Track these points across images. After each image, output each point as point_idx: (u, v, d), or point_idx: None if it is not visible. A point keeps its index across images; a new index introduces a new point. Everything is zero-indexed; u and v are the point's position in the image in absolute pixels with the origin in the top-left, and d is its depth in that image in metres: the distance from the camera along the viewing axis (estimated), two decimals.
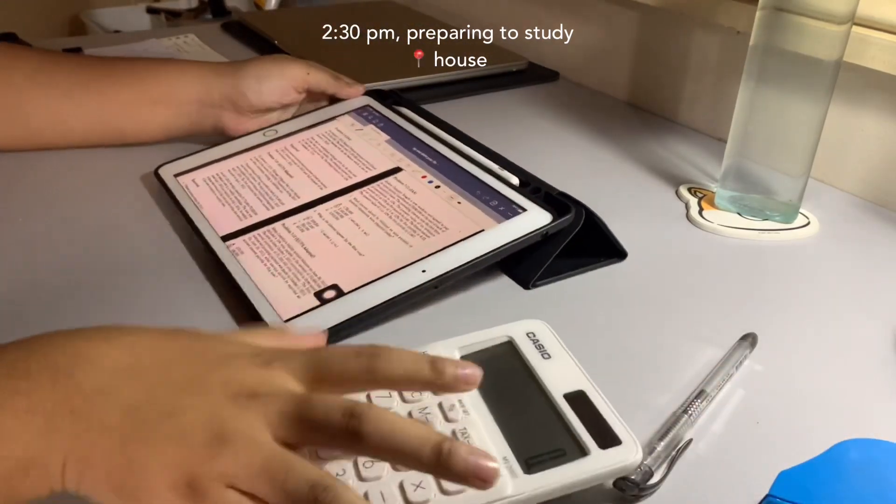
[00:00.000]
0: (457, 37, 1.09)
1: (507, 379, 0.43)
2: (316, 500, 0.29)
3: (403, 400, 0.41)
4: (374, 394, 0.41)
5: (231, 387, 0.32)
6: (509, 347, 0.45)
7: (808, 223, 0.65)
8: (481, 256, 0.52)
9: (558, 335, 0.45)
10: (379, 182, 0.63)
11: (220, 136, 0.71)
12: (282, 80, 0.71)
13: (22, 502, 0.30)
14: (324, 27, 1.02)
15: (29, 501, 0.30)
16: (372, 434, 0.31)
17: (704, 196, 0.69)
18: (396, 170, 0.64)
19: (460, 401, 0.41)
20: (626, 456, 0.37)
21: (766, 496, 0.39)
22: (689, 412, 0.43)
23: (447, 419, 0.40)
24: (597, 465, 0.37)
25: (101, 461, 0.30)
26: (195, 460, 0.30)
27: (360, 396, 0.41)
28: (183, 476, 0.30)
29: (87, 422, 0.30)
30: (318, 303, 0.50)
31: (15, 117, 0.69)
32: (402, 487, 0.36)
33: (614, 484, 0.38)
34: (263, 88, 0.70)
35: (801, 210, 0.66)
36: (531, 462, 0.37)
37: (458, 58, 0.99)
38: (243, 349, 0.34)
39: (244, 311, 0.51)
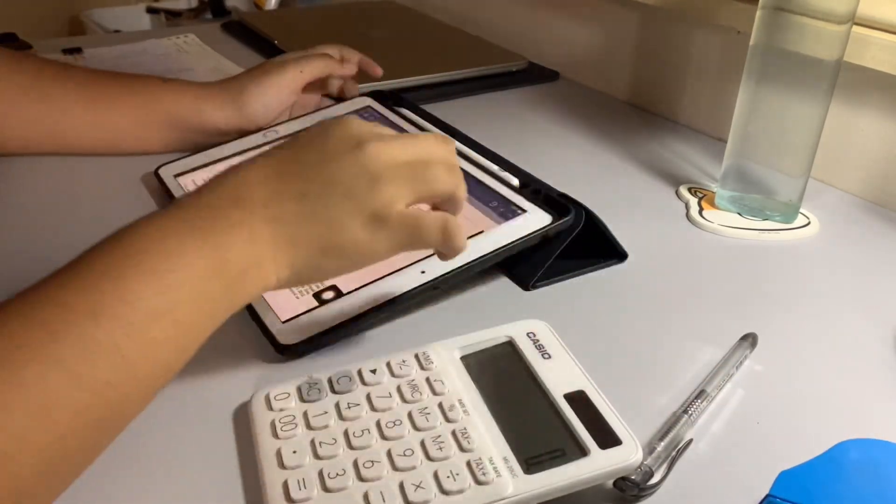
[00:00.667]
0: (457, 37, 1.09)
1: (508, 379, 0.43)
2: (454, 193, 0.43)
3: (404, 400, 0.41)
4: (374, 394, 0.41)
5: (352, 142, 0.41)
6: (509, 348, 0.45)
7: (808, 223, 0.65)
8: (481, 257, 0.52)
9: (558, 335, 0.45)
10: None
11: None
12: (280, 91, 0.71)
13: (246, 300, 0.39)
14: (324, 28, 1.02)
15: (252, 298, 0.39)
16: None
17: (704, 196, 0.69)
18: None
19: (460, 401, 0.41)
20: (626, 456, 0.37)
21: (766, 496, 0.39)
22: (689, 412, 0.43)
23: (447, 419, 0.40)
24: (597, 465, 0.37)
25: (304, 238, 0.39)
26: (367, 201, 0.40)
27: (362, 399, 0.41)
28: (366, 215, 0.40)
29: (278, 220, 0.39)
30: (317, 303, 0.51)
31: (5, 127, 0.68)
32: (402, 487, 0.36)
33: (614, 484, 0.38)
34: (270, 110, 0.71)
35: (802, 210, 0.66)
36: (531, 462, 0.37)
37: (458, 58, 0.99)
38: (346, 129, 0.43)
39: (244, 311, 0.51)
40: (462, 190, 0.44)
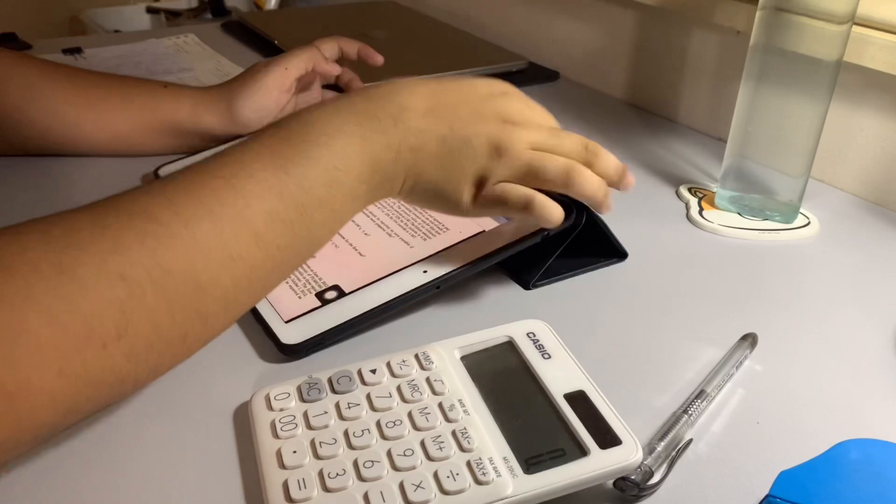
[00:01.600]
0: (457, 37, 1.09)
1: (508, 379, 0.43)
2: (569, 175, 0.48)
3: (404, 400, 0.41)
4: (374, 394, 0.41)
5: (501, 115, 0.48)
6: (509, 347, 0.45)
7: (808, 223, 0.65)
8: (482, 257, 0.52)
9: (558, 335, 0.45)
10: None
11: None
12: (269, 93, 0.70)
13: (376, 200, 0.46)
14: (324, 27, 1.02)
15: (380, 199, 0.46)
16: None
17: (704, 196, 0.69)
18: None
19: (460, 401, 0.41)
20: (626, 456, 0.37)
21: (766, 496, 0.39)
22: (689, 412, 0.43)
23: (447, 419, 0.40)
24: (597, 465, 0.37)
25: (429, 175, 0.46)
26: (486, 167, 0.47)
27: (362, 399, 0.41)
28: (478, 179, 0.47)
29: (419, 152, 0.45)
30: (319, 303, 0.51)
31: (3, 128, 0.68)
32: (402, 487, 0.36)
33: (614, 484, 0.38)
34: (262, 113, 0.71)
35: (802, 210, 0.66)
36: (531, 462, 0.37)
37: (458, 58, 0.99)
38: (497, 90, 0.49)
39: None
40: (578, 190, 0.49)
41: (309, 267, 0.54)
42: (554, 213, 0.49)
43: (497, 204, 0.48)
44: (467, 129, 0.46)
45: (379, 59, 0.79)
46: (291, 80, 0.72)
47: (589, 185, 0.48)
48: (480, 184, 0.47)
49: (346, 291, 0.51)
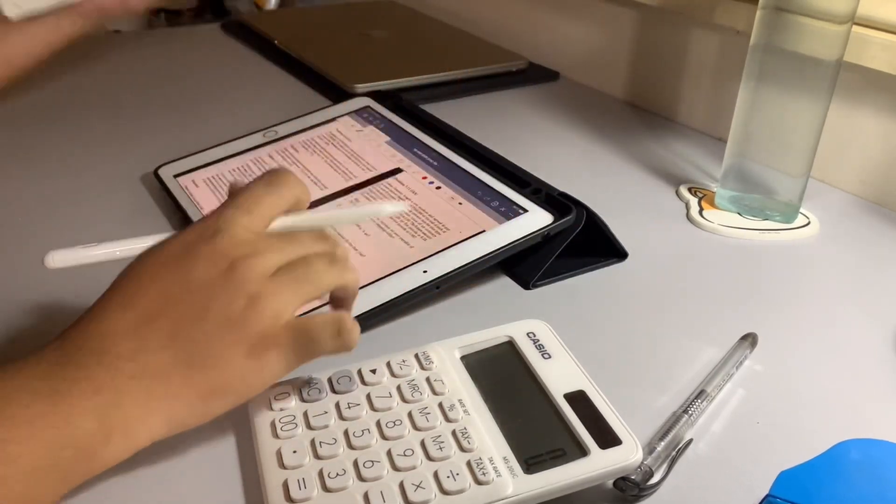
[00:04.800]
0: (457, 37, 1.09)
1: (508, 379, 0.43)
2: (342, 283, 0.39)
3: (404, 400, 0.41)
4: (374, 394, 0.41)
5: (221, 264, 0.36)
6: (509, 347, 0.45)
7: (808, 223, 0.65)
8: (482, 257, 0.52)
9: (558, 335, 0.45)
10: (380, 183, 0.63)
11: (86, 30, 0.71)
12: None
13: (110, 464, 0.35)
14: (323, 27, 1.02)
15: (118, 461, 0.35)
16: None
17: (704, 196, 0.69)
18: (397, 171, 0.64)
19: (460, 400, 0.41)
20: (626, 456, 0.37)
21: (766, 496, 0.39)
22: (689, 412, 0.43)
23: (447, 419, 0.40)
24: (597, 465, 0.37)
25: (180, 388, 0.35)
26: (250, 325, 0.36)
27: (362, 399, 0.41)
28: (251, 342, 0.36)
29: (148, 375, 0.35)
30: (319, 303, 0.50)
31: None
32: (402, 487, 0.36)
33: (614, 484, 0.38)
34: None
35: (802, 210, 0.66)
36: (531, 462, 0.37)
37: (458, 58, 0.99)
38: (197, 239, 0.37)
39: None
40: (350, 277, 0.40)
41: None
42: (356, 336, 0.39)
43: (303, 339, 0.38)
44: (194, 303, 0.36)
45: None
46: None
47: (353, 275, 0.40)
48: (263, 342, 0.36)
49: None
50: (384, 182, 0.63)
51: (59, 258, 0.43)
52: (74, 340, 0.35)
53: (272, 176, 0.39)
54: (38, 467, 0.32)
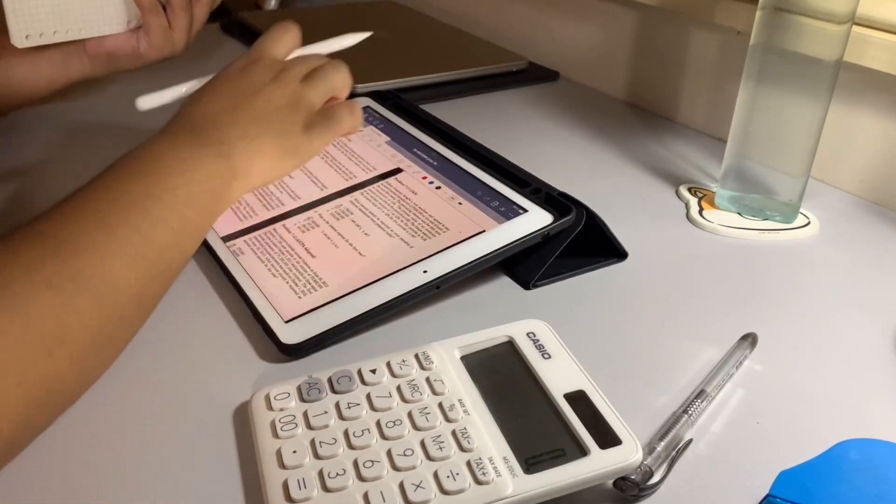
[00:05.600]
0: (457, 37, 1.09)
1: (508, 379, 0.43)
2: (345, 83, 0.56)
3: (404, 400, 0.41)
4: (374, 394, 0.41)
5: (269, 74, 0.52)
6: (509, 347, 0.45)
7: (808, 223, 0.65)
8: (482, 257, 0.52)
9: (558, 335, 0.45)
10: (379, 183, 0.63)
11: (92, 73, 0.71)
12: None
13: (234, 201, 0.49)
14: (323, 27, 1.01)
15: (237, 200, 0.50)
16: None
17: (704, 196, 0.69)
18: (397, 171, 0.64)
19: (460, 400, 0.41)
20: (626, 456, 0.37)
21: (766, 496, 0.39)
22: (689, 412, 0.43)
23: (447, 419, 0.40)
24: (597, 465, 0.37)
25: (268, 147, 0.50)
26: (298, 111, 0.52)
27: (362, 399, 0.41)
28: (302, 119, 0.52)
29: (247, 136, 0.49)
30: (319, 303, 0.51)
31: None
32: (402, 487, 0.36)
33: (614, 484, 0.38)
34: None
35: (801, 210, 0.66)
36: (531, 462, 0.37)
37: (458, 58, 0.99)
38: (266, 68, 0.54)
39: (246, 311, 0.51)
40: (348, 79, 0.55)
41: (308, 267, 0.54)
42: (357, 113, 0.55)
43: (331, 121, 0.53)
44: (260, 98, 0.51)
45: None
46: None
47: (349, 77, 0.56)
48: (308, 122, 0.52)
49: (347, 292, 0.51)
50: (384, 182, 0.63)
51: (149, 101, 0.54)
52: (187, 124, 0.49)
53: (282, 25, 0.57)
54: (203, 203, 0.46)
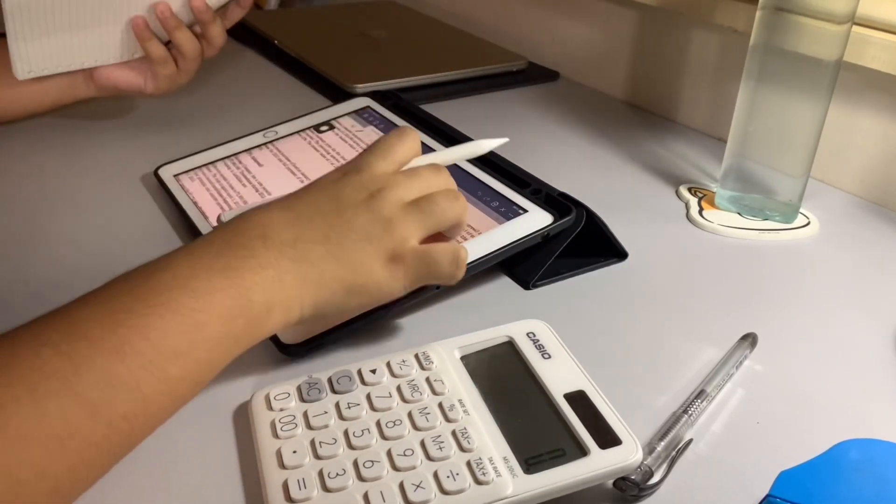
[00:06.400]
0: (457, 37, 1.09)
1: (508, 379, 0.43)
2: (459, 219, 0.46)
3: (404, 400, 0.41)
4: (374, 394, 0.41)
5: (364, 192, 0.44)
6: (509, 347, 0.45)
7: (808, 223, 0.65)
8: (482, 257, 0.52)
9: (558, 335, 0.45)
10: None
11: (96, 96, 0.72)
12: None
13: (267, 335, 0.40)
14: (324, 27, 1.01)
15: (273, 332, 0.41)
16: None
17: (704, 196, 0.69)
18: None
19: (460, 401, 0.41)
20: (626, 456, 0.37)
21: (766, 496, 0.39)
22: (689, 412, 0.43)
23: (447, 419, 0.40)
24: (597, 465, 0.37)
25: (329, 278, 0.41)
26: (385, 243, 0.43)
27: (362, 399, 0.41)
28: (385, 256, 0.43)
29: (305, 261, 0.40)
30: None
31: None
32: (402, 487, 0.36)
33: (614, 484, 0.38)
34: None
35: (801, 210, 0.66)
36: (531, 462, 0.37)
37: (458, 58, 0.99)
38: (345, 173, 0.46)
39: None
40: (464, 214, 0.46)
41: None
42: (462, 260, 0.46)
43: (425, 262, 0.44)
44: (343, 217, 0.43)
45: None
46: None
47: (465, 211, 0.47)
48: (394, 258, 0.43)
49: None
50: None
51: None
52: (237, 228, 0.40)
53: (400, 131, 0.48)
54: (218, 334, 0.37)
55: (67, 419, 0.32)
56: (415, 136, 0.48)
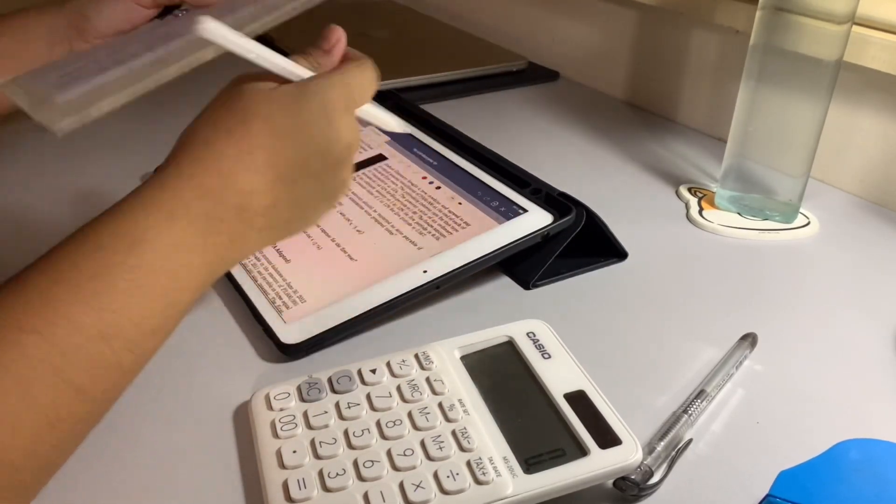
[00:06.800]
0: (457, 37, 1.09)
1: (507, 379, 0.43)
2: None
3: (404, 400, 0.41)
4: (374, 394, 0.41)
5: (345, 154, 0.41)
6: (509, 347, 0.45)
7: (808, 223, 0.65)
8: (482, 257, 0.52)
9: (558, 335, 0.45)
10: (374, 166, 0.62)
11: None
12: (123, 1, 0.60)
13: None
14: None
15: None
16: None
17: (704, 196, 0.69)
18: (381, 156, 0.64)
19: (460, 400, 0.41)
20: (626, 456, 0.37)
21: (766, 496, 0.39)
22: (689, 412, 0.43)
23: (447, 419, 0.40)
24: (597, 465, 0.37)
25: (284, 230, 0.41)
26: (338, 195, 0.42)
27: (362, 399, 0.41)
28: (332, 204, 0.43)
29: (271, 228, 0.40)
30: (320, 304, 0.50)
31: None
32: (402, 487, 0.36)
33: (614, 484, 0.38)
34: (106, 11, 0.59)
35: (801, 210, 0.66)
36: (531, 462, 0.37)
37: (458, 58, 0.99)
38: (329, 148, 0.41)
39: (246, 311, 0.51)
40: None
41: (281, 276, 0.53)
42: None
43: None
44: (318, 180, 0.41)
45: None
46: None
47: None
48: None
49: (348, 292, 0.51)
50: (378, 165, 0.63)
51: (213, 28, 0.39)
52: (219, 194, 0.38)
53: (368, 74, 0.44)
54: (189, 302, 0.38)
55: (57, 404, 0.33)
56: (373, 80, 0.44)
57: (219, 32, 0.39)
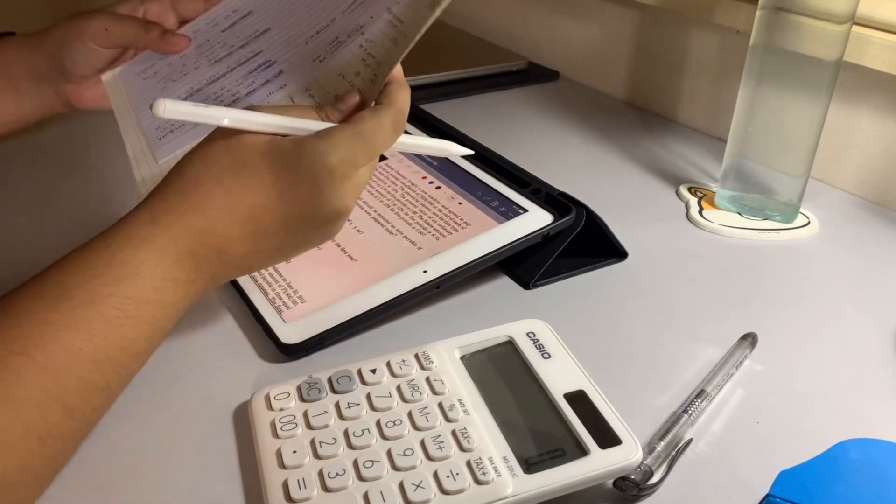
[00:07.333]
0: (457, 37, 1.09)
1: (507, 379, 0.43)
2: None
3: (404, 400, 0.41)
4: (374, 394, 0.41)
5: (333, 216, 0.41)
6: (509, 347, 0.45)
7: (808, 223, 0.65)
8: (482, 257, 0.52)
9: (558, 335, 0.45)
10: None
11: (75, 111, 0.63)
12: (83, 43, 0.59)
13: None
14: None
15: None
16: None
17: (704, 196, 0.69)
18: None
19: (460, 400, 0.41)
20: (626, 456, 0.37)
21: (766, 496, 0.39)
22: (689, 412, 0.43)
23: (447, 419, 0.40)
24: (597, 464, 0.37)
25: (264, 266, 0.43)
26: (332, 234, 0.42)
27: (362, 399, 0.41)
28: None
29: (251, 268, 0.42)
30: (320, 304, 0.50)
31: None
32: (402, 487, 0.36)
33: (614, 484, 0.38)
34: (71, 55, 0.59)
35: (801, 210, 0.66)
36: (531, 462, 0.37)
37: (458, 58, 0.99)
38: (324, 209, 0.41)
39: (246, 311, 0.51)
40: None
41: (281, 276, 0.53)
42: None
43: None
44: (303, 233, 0.41)
45: (171, 48, 0.60)
46: (112, 43, 0.60)
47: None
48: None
49: (348, 292, 0.51)
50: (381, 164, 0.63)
51: (171, 108, 0.39)
52: (202, 238, 0.39)
53: (400, 125, 0.45)
54: (170, 326, 0.39)
55: (48, 422, 0.34)
56: (394, 123, 0.44)
57: (178, 109, 0.39)
